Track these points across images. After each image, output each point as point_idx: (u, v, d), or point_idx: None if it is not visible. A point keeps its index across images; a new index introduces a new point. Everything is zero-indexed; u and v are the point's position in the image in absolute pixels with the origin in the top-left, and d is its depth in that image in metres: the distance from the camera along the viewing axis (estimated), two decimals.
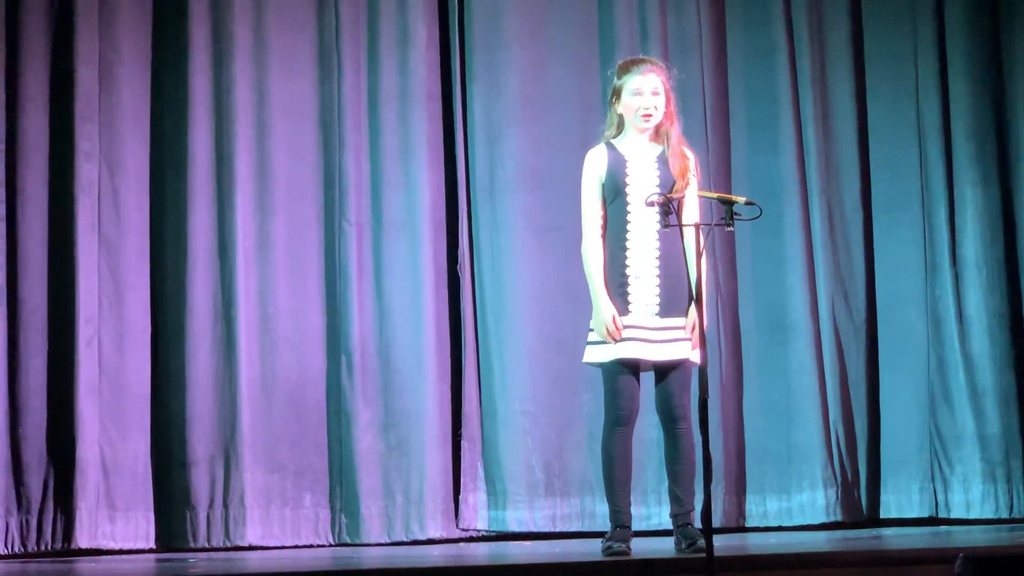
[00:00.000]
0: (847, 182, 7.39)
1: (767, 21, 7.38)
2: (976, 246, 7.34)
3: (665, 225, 5.64)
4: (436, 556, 6.23)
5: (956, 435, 7.28)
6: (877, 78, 7.45)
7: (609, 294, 5.73)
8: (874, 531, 7.01)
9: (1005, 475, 7.22)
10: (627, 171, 5.79)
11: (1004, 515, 7.18)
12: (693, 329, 5.65)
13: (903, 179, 7.43)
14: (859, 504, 7.21)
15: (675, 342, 5.72)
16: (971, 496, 7.24)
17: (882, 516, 7.25)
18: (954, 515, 7.22)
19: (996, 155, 7.40)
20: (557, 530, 6.96)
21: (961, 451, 7.26)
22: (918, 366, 7.33)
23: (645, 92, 5.79)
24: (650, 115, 5.80)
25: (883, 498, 7.27)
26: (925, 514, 7.25)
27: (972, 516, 7.20)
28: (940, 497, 7.27)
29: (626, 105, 5.82)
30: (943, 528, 7.12)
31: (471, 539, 6.95)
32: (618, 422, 5.73)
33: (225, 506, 6.69)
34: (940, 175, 7.39)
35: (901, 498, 7.28)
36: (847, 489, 7.17)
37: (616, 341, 5.70)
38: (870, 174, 7.42)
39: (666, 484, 5.88)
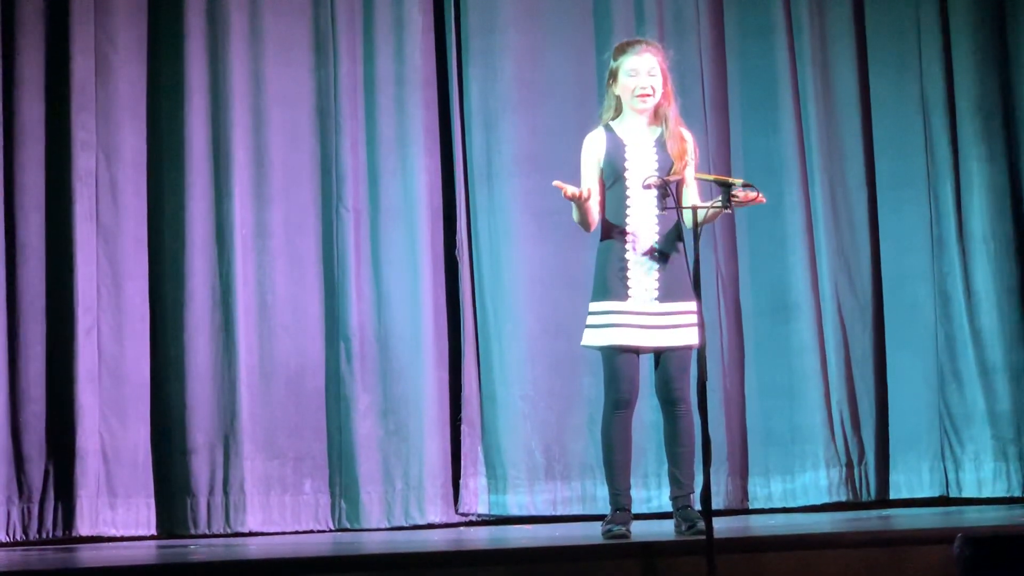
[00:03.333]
0: (850, 160, 7.31)
1: None
2: (983, 221, 7.25)
3: (663, 208, 5.61)
4: (436, 540, 6.22)
5: (966, 413, 7.20)
6: (879, 54, 7.36)
7: (608, 280, 5.69)
8: (880, 511, 6.97)
9: (1017, 453, 7.14)
10: (626, 155, 5.75)
11: (1016, 493, 7.10)
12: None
13: (908, 155, 7.34)
14: (864, 484, 7.15)
15: (676, 328, 5.67)
16: (982, 474, 7.16)
17: (892, 496, 7.18)
18: (965, 494, 7.14)
19: (1002, 129, 7.30)
20: (557, 514, 6.96)
21: (972, 429, 7.19)
22: (926, 343, 7.26)
23: (641, 72, 5.75)
24: (647, 94, 5.75)
25: (893, 478, 7.20)
26: (936, 493, 7.17)
27: (984, 495, 7.12)
28: (951, 476, 7.19)
29: (623, 85, 5.78)
30: (953, 508, 7.05)
31: (471, 523, 6.96)
32: (618, 405, 5.70)
33: (225, 493, 6.72)
34: (945, 150, 7.30)
35: (911, 477, 7.21)
36: (851, 469, 7.12)
37: (577, 199, 5.61)
38: (873, 151, 7.34)
39: (666, 467, 5.84)
